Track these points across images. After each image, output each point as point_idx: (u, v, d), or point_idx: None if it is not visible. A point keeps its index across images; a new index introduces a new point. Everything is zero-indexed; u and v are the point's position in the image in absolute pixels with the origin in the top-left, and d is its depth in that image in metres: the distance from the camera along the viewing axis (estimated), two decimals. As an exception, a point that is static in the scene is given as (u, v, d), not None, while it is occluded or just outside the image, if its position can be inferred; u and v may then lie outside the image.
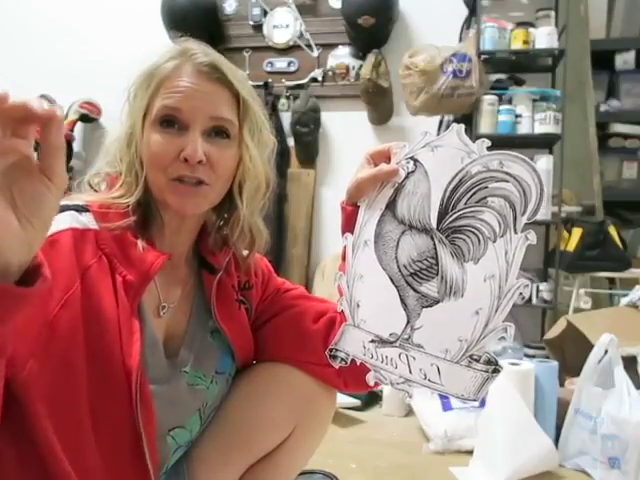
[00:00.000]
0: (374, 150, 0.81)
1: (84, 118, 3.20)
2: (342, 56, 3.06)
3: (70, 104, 3.18)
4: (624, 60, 2.73)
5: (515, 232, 0.68)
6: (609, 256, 2.37)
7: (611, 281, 2.59)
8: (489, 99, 2.56)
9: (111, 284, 0.76)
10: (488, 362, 0.68)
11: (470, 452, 1.61)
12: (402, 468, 1.61)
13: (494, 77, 2.73)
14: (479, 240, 0.70)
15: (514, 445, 1.50)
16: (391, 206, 0.77)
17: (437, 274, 0.72)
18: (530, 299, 2.50)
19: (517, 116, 2.54)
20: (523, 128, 2.54)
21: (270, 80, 3.03)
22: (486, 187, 0.70)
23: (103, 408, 0.73)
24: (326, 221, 3.05)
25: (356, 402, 2.04)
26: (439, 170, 0.73)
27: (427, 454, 1.69)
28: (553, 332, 2.09)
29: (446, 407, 1.76)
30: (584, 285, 2.46)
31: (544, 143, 2.63)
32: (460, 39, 2.78)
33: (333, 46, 3.07)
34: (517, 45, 2.55)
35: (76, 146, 3.23)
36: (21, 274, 0.52)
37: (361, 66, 2.93)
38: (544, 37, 2.51)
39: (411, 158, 0.76)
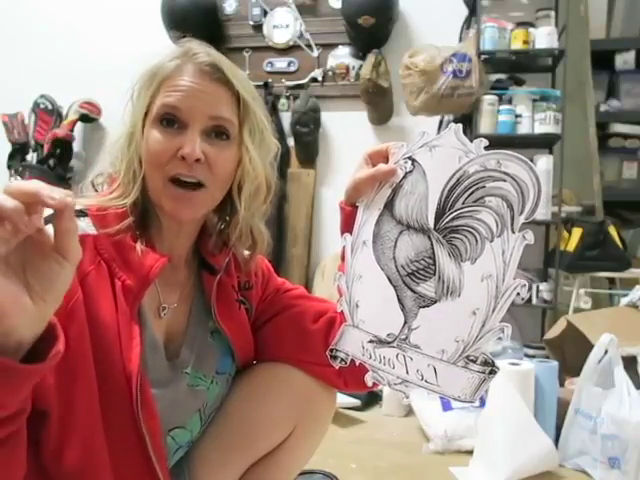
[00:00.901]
0: (372, 150, 0.81)
1: (84, 118, 3.20)
2: (342, 56, 3.06)
3: (70, 104, 3.18)
4: (624, 60, 2.73)
5: (512, 232, 0.67)
6: (609, 256, 2.37)
7: (611, 281, 2.59)
8: (489, 99, 2.56)
9: (110, 289, 0.76)
10: (485, 363, 0.68)
11: (470, 452, 1.61)
12: (402, 468, 1.61)
13: (494, 77, 2.73)
14: (476, 240, 0.69)
15: (514, 445, 1.50)
16: (389, 206, 0.77)
17: (434, 274, 0.72)
18: (530, 299, 2.50)
19: (517, 116, 2.54)
20: (523, 128, 2.54)
21: (270, 80, 3.03)
22: (484, 187, 0.70)
23: (108, 413, 0.74)
24: (326, 221, 3.05)
25: (356, 402, 2.04)
26: (437, 170, 0.73)
27: (427, 454, 1.69)
28: (553, 332, 2.09)
29: (446, 407, 1.76)
30: (584, 285, 2.46)
31: (544, 143, 2.63)
32: (460, 39, 2.78)
33: (333, 46, 3.07)
34: (517, 45, 2.55)
35: (76, 146, 3.23)
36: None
37: (361, 66, 2.93)
38: (544, 37, 2.51)
39: (409, 158, 0.76)
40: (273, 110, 2.97)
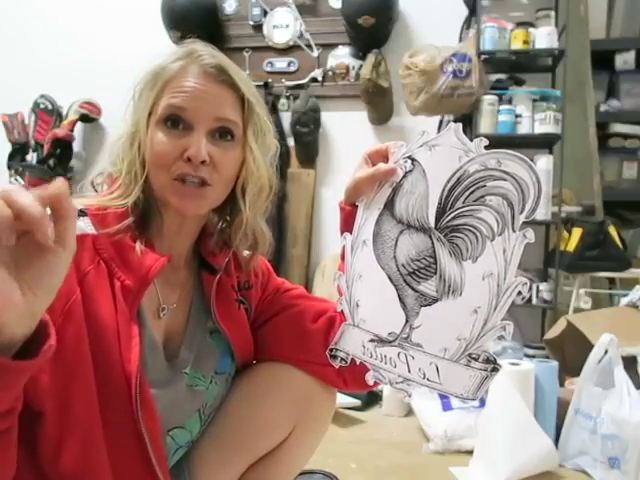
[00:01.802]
0: (372, 150, 0.81)
1: (84, 118, 3.21)
2: (342, 56, 3.06)
3: (70, 104, 3.18)
4: (624, 60, 2.73)
5: (513, 230, 0.67)
6: (609, 256, 2.37)
7: (611, 281, 2.59)
8: (489, 99, 2.56)
9: (110, 289, 0.76)
10: (487, 361, 0.68)
11: (470, 452, 1.61)
12: (402, 468, 1.61)
13: (494, 77, 2.73)
14: (477, 239, 0.69)
15: (514, 445, 1.50)
16: (389, 205, 0.77)
17: (435, 273, 0.72)
18: (530, 299, 2.50)
19: (517, 116, 2.54)
20: (523, 128, 2.54)
21: (270, 80, 3.03)
22: (484, 186, 0.70)
23: (107, 414, 0.73)
24: (326, 221, 3.05)
25: (356, 402, 2.04)
26: (437, 169, 0.73)
27: (427, 454, 1.69)
28: (553, 332, 2.09)
29: (446, 407, 1.76)
30: (584, 285, 2.46)
31: (544, 143, 2.63)
32: (460, 39, 2.78)
33: (333, 46, 3.07)
34: (517, 45, 2.55)
35: (76, 146, 3.23)
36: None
37: (361, 66, 2.93)
38: (544, 37, 2.51)
39: (409, 157, 0.76)
40: (273, 110, 2.97)
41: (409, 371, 0.72)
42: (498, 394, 1.57)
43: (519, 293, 0.67)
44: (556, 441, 1.63)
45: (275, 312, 0.98)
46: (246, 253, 0.93)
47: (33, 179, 3.04)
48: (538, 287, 2.52)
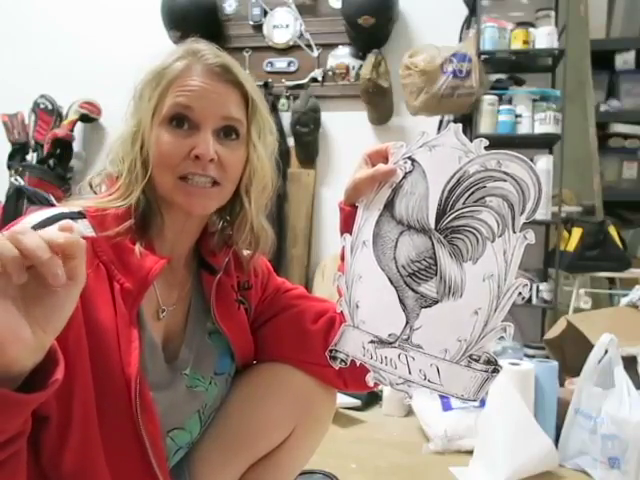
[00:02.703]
0: (371, 150, 0.81)
1: (84, 118, 3.21)
2: (342, 56, 3.06)
3: (70, 104, 3.18)
4: (624, 60, 2.73)
5: (514, 231, 0.67)
6: (609, 256, 2.37)
7: (611, 281, 2.59)
8: (489, 99, 2.55)
9: (109, 292, 0.75)
10: (488, 362, 0.68)
11: (470, 452, 1.61)
12: (402, 468, 1.61)
13: (494, 77, 2.73)
14: (477, 240, 0.69)
15: (514, 445, 1.50)
16: (389, 206, 0.76)
17: (436, 274, 0.72)
18: (530, 299, 2.50)
19: (517, 116, 2.54)
20: (523, 128, 2.54)
21: (270, 80, 3.03)
22: (484, 187, 0.70)
23: (107, 417, 0.73)
24: (326, 221, 3.05)
25: (356, 402, 2.04)
26: (437, 170, 0.73)
27: (427, 454, 1.69)
28: (553, 332, 2.09)
29: (446, 407, 1.76)
30: (584, 285, 2.46)
31: (544, 143, 2.63)
32: (460, 39, 2.78)
33: (333, 46, 3.07)
34: (517, 45, 2.55)
35: (76, 146, 3.23)
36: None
37: (361, 66, 2.93)
38: (544, 37, 2.51)
39: (409, 158, 0.76)
40: (273, 110, 2.97)
41: (410, 372, 0.72)
42: (498, 394, 1.57)
43: (519, 295, 0.67)
44: (556, 441, 1.63)
45: (275, 312, 0.97)
46: (247, 252, 0.93)
47: (33, 179, 3.04)
48: (538, 287, 2.52)
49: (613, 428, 1.49)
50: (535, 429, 1.56)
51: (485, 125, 2.55)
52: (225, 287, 0.91)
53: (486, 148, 0.70)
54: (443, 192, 0.72)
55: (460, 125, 0.73)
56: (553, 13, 2.59)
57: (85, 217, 0.77)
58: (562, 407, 1.68)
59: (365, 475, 1.56)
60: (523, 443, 1.51)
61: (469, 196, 0.70)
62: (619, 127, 2.75)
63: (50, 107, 3.18)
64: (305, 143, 3.02)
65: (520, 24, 2.60)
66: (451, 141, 0.73)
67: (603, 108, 2.74)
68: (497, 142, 0.75)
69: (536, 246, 2.66)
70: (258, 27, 3.13)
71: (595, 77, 2.63)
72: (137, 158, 0.80)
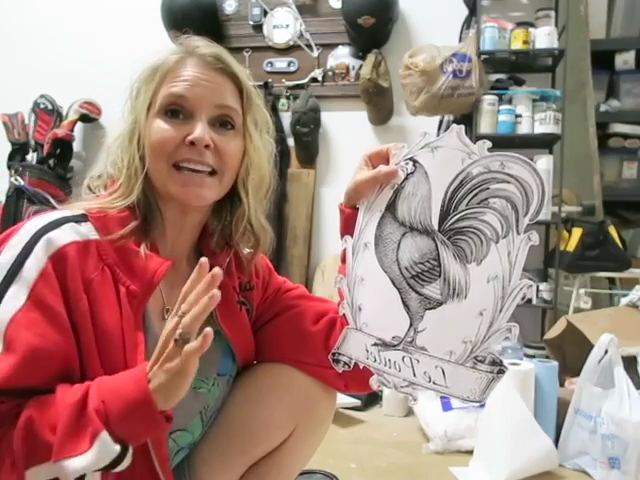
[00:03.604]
0: (372, 151, 0.81)
1: (84, 118, 3.20)
2: (342, 56, 3.06)
3: (70, 104, 3.18)
4: (624, 60, 2.73)
5: (518, 233, 0.67)
6: (609, 256, 2.36)
7: (611, 281, 2.59)
8: (489, 99, 2.55)
9: (115, 295, 0.75)
10: (493, 363, 0.68)
11: (470, 452, 1.62)
12: (402, 468, 1.61)
13: (494, 77, 2.73)
14: (481, 241, 0.69)
15: (514, 445, 1.50)
16: (391, 208, 0.76)
17: (440, 276, 0.72)
18: (530, 299, 2.50)
19: (517, 116, 2.54)
20: (523, 128, 2.53)
21: (270, 80, 3.03)
22: (487, 188, 0.69)
23: None
24: (326, 221, 3.05)
25: (356, 402, 2.04)
26: (439, 171, 0.73)
27: (427, 454, 1.69)
28: (553, 332, 2.09)
29: (446, 407, 1.76)
30: (584, 285, 2.46)
31: (544, 143, 2.63)
32: (460, 39, 2.77)
33: (333, 46, 3.07)
34: (517, 45, 2.54)
35: (76, 146, 3.23)
36: None
37: (361, 66, 2.93)
38: (544, 37, 2.51)
39: (410, 159, 0.76)
40: (273, 110, 2.97)
41: (414, 375, 0.72)
42: (498, 394, 1.57)
43: (523, 295, 0.67)
44: (556, 441, 1.63)
45: (276, 313, 0.97)
46: (247, 251, 0.93)
47: (33, 179, 3.04)
48: (538, 287, 2.52)
49: (613, 428, 1.49)
50: (535, 429, 1.56)
51: (485, 125, 2.55)
52: (226, 288, 0.90)
53: (487, 149, 0.70)
54: (446, 193, 0.72)
55: (462, 126, 0.73)
56: (553, 13, 2.59)
57: (88, 220, 0.77)
58: (562, 407, 1.68)
59: (365, 475, 1.56)
60: (523, 443, 1.52)
61: (472, 197, 0.70)
62: (619, 127, 2.75)
63: (50, 107, 3.18)
64: (305, 143, 3.01)
65: (520, 24, 2.60)
66: (454, 142, 0.72)
67: (603, 108, 2.73)
68: (497, 142, 0.75)
69: (536, 246, 2.65)
70: (258, 27, 3.13)
71: (595, 77, 2.63)
72: (135, 153, 0.80)
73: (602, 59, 2.67)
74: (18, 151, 3.18)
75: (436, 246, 0.72)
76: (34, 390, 0.68)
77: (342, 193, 0.83)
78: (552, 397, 1.70)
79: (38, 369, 0.68)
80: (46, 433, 0.64)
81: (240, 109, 0.83)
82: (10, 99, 3.16)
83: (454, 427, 1.71)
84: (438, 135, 0.74)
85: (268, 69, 3.13)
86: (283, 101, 3.08)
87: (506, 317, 0.67)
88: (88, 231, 0.76)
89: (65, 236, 0.73)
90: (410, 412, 2.01)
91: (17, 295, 0.68)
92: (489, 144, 0.70)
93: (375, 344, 0.75)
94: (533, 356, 2.04)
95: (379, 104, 2.93)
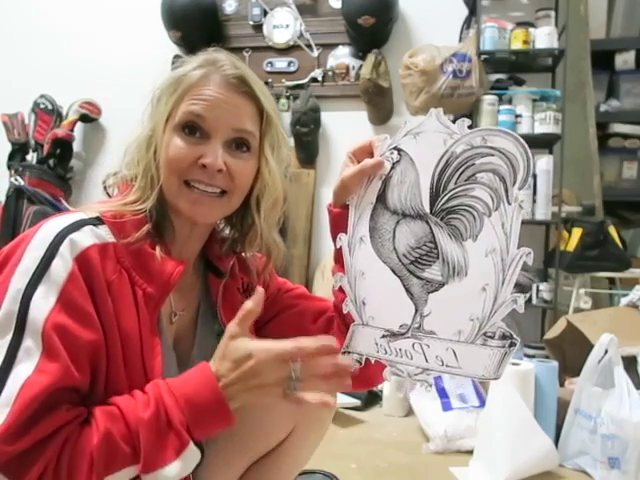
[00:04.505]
0: (356, 147, 0.81)
1: (84, 118, 3.21)
2: (342, 56, 3.06)
3: (70, 104, 3.18)
4: (624, 60, 2.73)
5: (509, 203, 0.67)
6: (609, 256, 2.36)
7: (611, 281, 2.59)
8: (489, 99, 2.55)
9: (132, 298, 0.75)
10: (503, 337, 0.67)
11: (470, 452, 1.62)
12: (402, 468, 1.60)
13: (494, 77, 2.73)
14: (474, 217, 0.69)
15: (514, 445, 1.50)
16: (381, 199, 0.77)
17: (438, 257, 0.72)
18: (530, 299, 2.50)
19: (517, 116, 2.54)
20: (523, 128, 2.53)
21: (270, 80, 3.02)
22: (473, 164, 0.70)
23: None
24: (326, 221, 3.00)
25: (356, 402, 2.04)
26: (424, 156, 0.73)
27: (427, 454, 1.69)
28: (553, 332, 2.09)
29: (446, 407, 1.76)
30: (584, 285, 2.46)
31: (544, 143, 2.63)
32: (460, 39, 2.78)
33: (333, 46, 3.07)
34: (517, 45, 2.55)
35: (76, 146, 3.23)
36: None
37: (361, 66, 2.93)
38: (544, 37, 2.51)
39: (395, 148, 0.76)
40: (273, 110, 2.96)
41: (426, 360, 0.72)
42: (498, 394, 1.57)
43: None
44: (556, 441, 1.63)
45: (276, 313, 0.98)
46: (251, 254, 0.94)
47: (33, 179, 3.04)
48: (538, 287, 2.51)
49: (613, 428, 1.49)
50: (535, 429, 1.56)
51: (485, 125, 2.55)
52: (231, 290, 0.91)
53: (467, 127, 0.71)
54: (433, 176, 0.72)
55: (441, 109, 0.73)
56: (553, 13, 2.59)
57: (104, 223, 0.77)
58: (562, 407, 1.68)
59: (365, 475, 1.56)
60: (523, 443, 1.51)
61: (459, 175, 0.71)
62: (619, 127, 2.75)
63: (50, 107, 3.18)
64: (305, 143, 3.01)
65: (520, 24, 2.60)
66: (434, 125, 0.73)
67: (603, 108, 2.73)
68: (497, 142, 0.75)
69: (536, 246, 2.66)
70: (258, 27, 3.13)
71: (595, 77, 2.63)
72: (152, 162, 0.80)
73: (602, 59, 2.67)
74: (18, 151, 3.18)
75: (430, 229, 0.72)
76: (76, 389, 0.69)
77: (342, 193, 0.83)
78: (552, 397, 1.70)
79: (79, 370, 0.68)
80: (121, 445, 0.66)
81: (258, 132, 0.83)
82: (10, 99, 3.16)
83: (454, 427, 1.71)
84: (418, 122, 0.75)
85: (268, 69, 3.13)
86: (283, 101, 3.07)
87: (509, 289, 0.67)
88: (105, 234, 0.76)
89: (86, 238, 0.73)
90: (410, 412, 2.01)
91: (46, 296, 0.68)
92: (468, 122, 0.71)
93: (384, 336, 0.75)
94: (533, 356, 2.04)
95: (379, 104, 2.93)
